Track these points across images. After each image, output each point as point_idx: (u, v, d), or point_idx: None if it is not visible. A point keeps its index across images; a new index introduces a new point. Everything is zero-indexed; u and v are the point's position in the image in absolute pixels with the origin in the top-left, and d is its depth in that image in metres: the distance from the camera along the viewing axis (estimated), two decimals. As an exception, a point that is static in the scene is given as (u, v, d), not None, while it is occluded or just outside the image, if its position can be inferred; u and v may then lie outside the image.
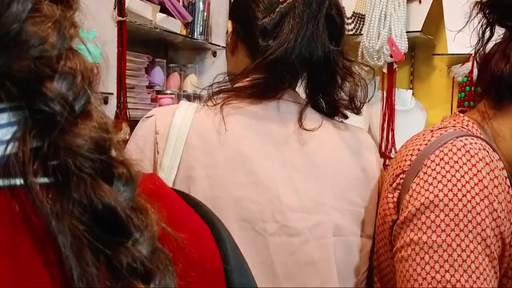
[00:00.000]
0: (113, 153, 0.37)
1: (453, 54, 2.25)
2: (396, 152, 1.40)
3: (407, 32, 2.29)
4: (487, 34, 0.97)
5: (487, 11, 0.97)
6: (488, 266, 0.83)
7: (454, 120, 0.97)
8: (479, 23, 0.97)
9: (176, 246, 0.39)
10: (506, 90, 0.93)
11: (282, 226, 0.89)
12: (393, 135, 2.39)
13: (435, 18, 2.35)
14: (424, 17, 2.33)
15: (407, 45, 2.26)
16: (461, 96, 2.39)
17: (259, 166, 0.88)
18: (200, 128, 0.89)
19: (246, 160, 0.87)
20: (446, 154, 0.87)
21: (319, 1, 0.91)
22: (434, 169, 0.87)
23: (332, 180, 0.94)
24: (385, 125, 2.42)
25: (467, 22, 0.98)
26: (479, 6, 0.96)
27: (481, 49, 0.98)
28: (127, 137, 1.89)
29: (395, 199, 0.92)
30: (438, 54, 2.46)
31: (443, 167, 0.86)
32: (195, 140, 0.88)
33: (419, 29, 2.33)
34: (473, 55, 1.04)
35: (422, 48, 2.54)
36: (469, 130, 0.93)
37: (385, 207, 0.95)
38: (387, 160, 2.19)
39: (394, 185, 0.93)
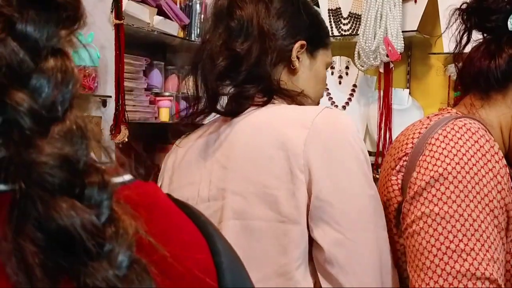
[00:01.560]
0: (89, 159, 0.35)
1: (449, 53, 2.26)
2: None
3: (403, 31, 2.30)
4: (465, 39, 1.05)
5: (465, 17, 1.04)
6: (497, 236, 0.86)
7: (446, 111, 1.03)
8: (456, 28, 1.06)
9: (161, 256, 0.38)
10: (494, 80, 1.00)
11: None
12: (390, 134, 2.40)
13: (430, 17, 2.37)
14: (419, 17, 2.34)
15: (403, 45, 2.27)
16: (457, 95, 2.41)
17: (196, 168, 1.02)
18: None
19: (189, 165, 1.03)
20: (449, 132, 0.91)
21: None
22: (440, 146, 0.90)
23: (239, 165, 0.95)
24: (382, 125, 2.43)
25: (446, 28, 1.07)
26: (457, 13, 1.04)
27: (459, 52, 1.06)
28: (126, 140, 1.91)
29: (399, 181, 0.96)
30: (434, 53, 2.48)
31: (448, 143, 0.90)
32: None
33: (415, 29, 2.35)
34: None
35: (418, 47, 2.55)
36: (463, 115, 0.98)
37: (388, 190, 0.97)
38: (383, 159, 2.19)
39: (398, 167, 0.96)
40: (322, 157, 0.92)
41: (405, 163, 0.95)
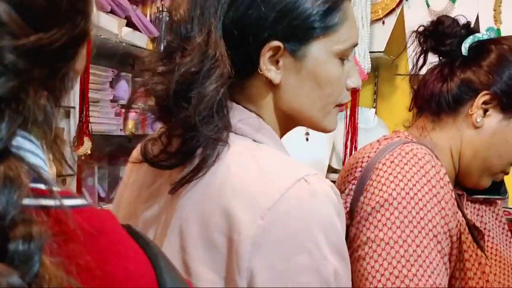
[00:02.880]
0: (18, 209, 0.34)
1: (414, 75, 2.31)
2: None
3: (370, 52, 2.34)
4: (421, 61, 1.08)
5: (422, 39, 1.07)
6: (440, 262, 0.86)
7: (396, 135, 1.04)
8: (413, 50, 1.10)
9: (99, 284, 0.38)
10: (445, 104, 1.02)
11: None
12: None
13: (397, 39, 2.41)
14: (387, 38, 2.39)
15: (370, 65, 2.31)
16: (421, 116, 2.47)
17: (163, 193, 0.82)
18: None
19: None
20: (396, 157, 0.92)
21: None
22: (386, 171, 0.91)
23: (189, 224, 0.76)
24: (348, 143, 2.45)
25: (403, 49, 1.12)
26: (415, 35, 1.08)
27: (415, 74, 1.10)
28: (89, 152, 1.86)
29: (348, 205, 0.95)
30: (400, 74, 2.53)
31: (394, 169, 0.90)
32: None
33: (382, 50, 2.39)
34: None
35: (385, 68, 2.60)
36: (411, 141, 1.00)
37: None
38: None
39: (347, 191, 0.96)
40: (272, 265, 0.66)
41: (353, 186, 0.95)
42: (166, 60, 0.72)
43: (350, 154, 2.44)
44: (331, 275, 0.67)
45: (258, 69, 0.73)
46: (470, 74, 1.02)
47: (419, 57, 1.08)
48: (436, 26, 1.06)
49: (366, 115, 2.51)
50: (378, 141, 1.01)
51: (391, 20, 2.38)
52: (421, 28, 1.07)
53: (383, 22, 2.39)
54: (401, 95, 2.58)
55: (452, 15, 1.10)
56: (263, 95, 0.77)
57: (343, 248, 0.71)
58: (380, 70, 2.63)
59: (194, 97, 0.68)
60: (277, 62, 0.74)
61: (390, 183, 0.89)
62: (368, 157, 0.96)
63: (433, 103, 1.03)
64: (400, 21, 2.35)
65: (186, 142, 0.70)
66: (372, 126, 2.50)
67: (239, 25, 0.72)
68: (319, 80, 0.77)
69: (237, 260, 0.66)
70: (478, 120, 1.01)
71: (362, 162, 0.97)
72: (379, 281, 0.84)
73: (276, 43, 0.73)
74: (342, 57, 0.78)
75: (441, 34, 1.05)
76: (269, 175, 0.69)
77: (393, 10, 2.36)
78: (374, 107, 2.62)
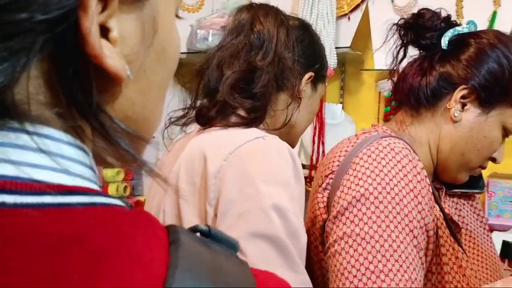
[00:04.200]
0: None
1: (379, 70, 2.34)
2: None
3: (336, 48, 2.35)
4: (401, 54, 1.07)
5: (402, 32, 1.06)
6: (416, 256, 0.86)
7: (374, 129, 1.05)
8: (394, 43, 1.08)
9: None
10: (423, 98, 1.02)
11: None
12: (323, 148, 2.44)
13: (363, 34, 2.43)
14: (353, 34, 2.40)
15: (336, 61, 2.32)
16: (386, 110, 2.49)
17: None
18: None
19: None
20: (373, 152, 0.92)
21: None
22: (363, 166, 0.91)
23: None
24: (316, 138, 2.46)
25: (383, 42, 1.07)
26: (395, 28, 1.06)
27: (396, 67, 1.08)
28: None
29: (325, 199, 0.95)
30: (366, 70, 2.54)
31: (371, 163, 0.90)
32: None
33: (348, 45, 2.40)
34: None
35: (351, 63, 2.62)
36: (389, 135, 1.00)
37: (315, 207, 0.97)
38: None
39: (324, 185, 0.96)
40: (229, 192, 0.87)
41: (331, 181, 0.95)
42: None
43: (318, 149, 2.45)
44: (270, 207, 0.85)
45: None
46: (449, 68, 1.02)
47: (399, 50, 1.07)
48: (417, 19, 1.05)
49: (333, 111, 2.52)
50: (356, 135, 1.01)
51: (357, 16, 2.39)
52: (402, 21, 1.06)
53: (349, 18, 2.40)
54: (367, 90, 2.60)
55: (415, 10, 1.10)
56: (280, 107, 1.10)
57: (290, 191, 0.88)
58: (347, 65, 2.64)
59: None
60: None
61: (367, 177, 0.89)
62: (346, 151, 0.97)
63: (412, 97, 1.03)
64: (366, 17, 2.36)
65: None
66: (339, 121, 2.51)
67: (298, 57, 1.07)
68: (313, 109, 1.20)
69: (206, 193, 0.89)
70: (456, 114, 1.01)
71: (339, 156, 0.97)
72: (355, 276, 0.84)
73: (312, 73, 1.11)
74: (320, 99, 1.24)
75: (421, 27, 1.04)
76: (236, 135, 0.94)
77: (358, 5, 2.37)
78: (341, 103, 2.63)
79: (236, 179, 0.87)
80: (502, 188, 2.16)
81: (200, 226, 0.39)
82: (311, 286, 0.90)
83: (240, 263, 0.38)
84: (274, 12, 1.06)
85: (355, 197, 0.88)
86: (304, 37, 1.08)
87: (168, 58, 0.41)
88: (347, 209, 0.88)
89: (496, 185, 2.16)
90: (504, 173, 2.15)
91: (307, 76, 1.09)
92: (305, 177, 1.36)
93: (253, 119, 0.99)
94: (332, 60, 2.29)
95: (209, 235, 0.39)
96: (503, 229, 2.05)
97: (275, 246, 0.85)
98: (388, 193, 0.87)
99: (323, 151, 2.42)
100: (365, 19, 2.37)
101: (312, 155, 2.47)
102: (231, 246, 0.39)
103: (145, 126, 0.41)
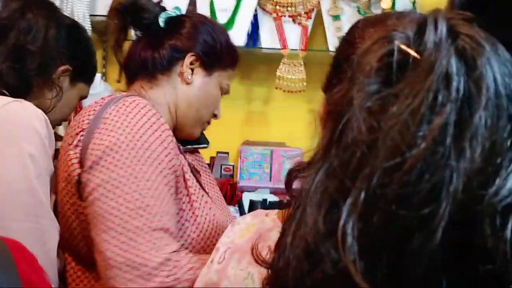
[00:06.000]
0: None
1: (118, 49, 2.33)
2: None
3: (91, 15, 2.28)
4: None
5: (122, 17, 1.26)
6: (168, 193, 1.00)
7: (118, 93, 1.19)
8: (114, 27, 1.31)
9: None
10: (159, 65, 1.19)
11: None
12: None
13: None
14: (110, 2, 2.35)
15: (91, 29, 2.25)
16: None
17: None
18: None
19: None
20: (121, 108, 1.04)
21: None
22: (113, 119, 1.02)
23: None
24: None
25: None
26: (114, 13, 1.27)
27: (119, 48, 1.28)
28: None
29: (77, 155, 1.04)
30: (128, 40, 2.52)
31: (120, 117, 1.02)
32: None
33: (105, 14, 2.34)
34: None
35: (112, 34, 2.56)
36: (133, 94, 1.14)
37: (68, 164, 1.06)
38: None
39: (75, 142, 1.04)
40: None
41: (82, 137, 1.03)
42: None
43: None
44: (26, 156, 1.02)
45: None
46: (175, 41, 1.20)
47: (120, 33, 1.26)
48: (134, 4, 1.22)
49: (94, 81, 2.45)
50: (102, 98, 1.12)
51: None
52: (120, 6, 1.23)
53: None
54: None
55: None
56: None
57: (41, 146, 1.05)
58: (109, 35, 2.58)
59: None
60: None
61: (118, 129, 1.00)
62: (94, 110, 1.07)
63: (149, 66, 1.19)
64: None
65: None
66: (99, 90, 2.46)
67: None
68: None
69: None
70: (188, 77, 1.19)
71: (88, 115, 1.06)
72: (116, 216, 0.94)
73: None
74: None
75: (139, 10, 1.22)
76: None
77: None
78: (103, 73, 2.58)
79: None
80: (252, 154, 2.35)
81: None
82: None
83: None
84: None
85: (108, 146, 0.99)
86: (73, 34, 1.29)
87: None
88: (102, 158, 0.98)
89: (247, 152, 2.34)
90: (255, 140, 2.36)
91: (63, 67, 1.24)
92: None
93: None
94: (86, 27, 2.22)
95: None
96: (252, 190, 2.26)
97: None
98: (138, 140, 0.99)
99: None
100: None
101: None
102: None
103: None
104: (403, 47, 0.34)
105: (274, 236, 0.61)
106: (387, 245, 0.32)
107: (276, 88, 2.20)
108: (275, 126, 2.49)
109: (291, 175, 0.68)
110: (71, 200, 1.06)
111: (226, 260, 0.75)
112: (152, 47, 1.20)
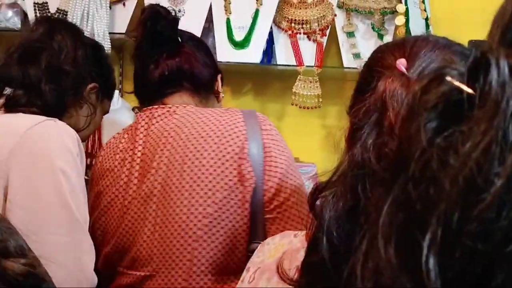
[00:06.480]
0: None
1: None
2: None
3: (110, 33, 2.32)
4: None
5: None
6: None
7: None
8: None
9: None
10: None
11: None
12: (99, 135, 2.40)
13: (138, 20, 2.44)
14: (128, 20, 2.40)
15: (110, 46, 2.30)
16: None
17: None
18: None
19: None
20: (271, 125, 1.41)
21: None
22: (276, 133, 1.47)
23: None
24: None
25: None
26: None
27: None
28: None
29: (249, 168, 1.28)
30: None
31: (277, 132, 1.46)
32: None
33: (123, 31, 2.39)
34: None
35: (129, 50, 2.61)
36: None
37: (241, 174, 1.28)
38: (93, 160, 2.19)
39: (240, 154, 1.26)
40: (23, 167, 1.05)
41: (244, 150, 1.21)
42: None
43: (94, 136, 2.41)
44: (59, 172, 1.07)
45: None
46: None
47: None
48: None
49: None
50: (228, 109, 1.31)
51: (132, 2, 2.40)
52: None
53: (124, 4, 2.40)
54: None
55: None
56: None
57: (73, 164, 1.11)
58: (125, 52, 2.63)
59: None
60: None
61: (285, 144, 1.42)
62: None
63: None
64: (140, 3, 2.38)
65: None
66: (117, 107, 2.49)
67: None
68: None
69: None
70: None
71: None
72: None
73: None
74: None
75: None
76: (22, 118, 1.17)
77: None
78: (120, 89, 2.62)
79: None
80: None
81: None
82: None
83: None
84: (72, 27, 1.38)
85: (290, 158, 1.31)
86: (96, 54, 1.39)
87: None
88: (288, 171, 1.21)
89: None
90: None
91: (91, 85, 1.33)
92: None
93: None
94: (106, 46, 2.26)
95: None
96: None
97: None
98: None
99: (99, 138, 2.39)
100: (140, 5, 2.39)
101: (88, 142, 2.41)
102: None
103: None
104: (464, 87, 0.35)
105: (302, 257, 0.62)
106: (470, 281, 0.32)
107: (292, 104, 2.21)
108: (289, 141, 2.49)
109: (314, 195, 0.68)
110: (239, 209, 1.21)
111: (256, 280, 0.76)
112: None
